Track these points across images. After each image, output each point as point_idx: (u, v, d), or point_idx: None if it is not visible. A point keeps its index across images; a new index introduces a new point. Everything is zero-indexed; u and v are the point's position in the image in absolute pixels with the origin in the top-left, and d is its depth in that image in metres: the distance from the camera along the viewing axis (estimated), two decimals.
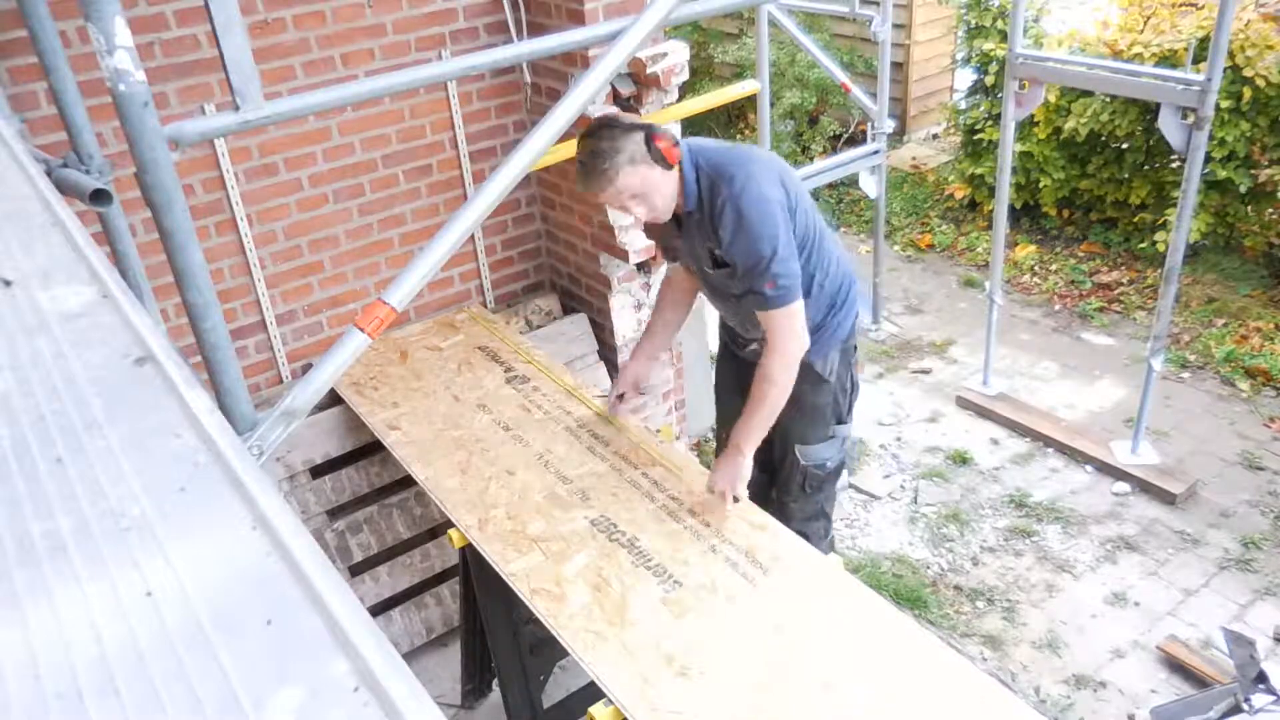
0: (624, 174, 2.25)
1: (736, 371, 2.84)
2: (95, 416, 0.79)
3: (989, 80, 5.81)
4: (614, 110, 2.30)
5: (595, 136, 2.27)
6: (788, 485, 2.82)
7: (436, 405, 3.03)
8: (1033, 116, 5.39)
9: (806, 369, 2.55)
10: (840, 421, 2.77)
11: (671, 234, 2.53)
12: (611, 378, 3.79)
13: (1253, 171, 4.85)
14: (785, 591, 2.17)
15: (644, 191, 2.29)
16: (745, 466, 2.41)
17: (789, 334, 2.36)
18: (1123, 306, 5.18)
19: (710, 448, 4.29)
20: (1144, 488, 3.91)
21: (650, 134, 2.26)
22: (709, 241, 2.39)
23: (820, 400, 2.67)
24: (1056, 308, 5.28)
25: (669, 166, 2.29)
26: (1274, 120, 4.74)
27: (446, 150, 3.56)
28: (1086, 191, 5.65)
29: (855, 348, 2.73)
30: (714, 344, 4.65)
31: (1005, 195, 4.21)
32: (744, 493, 2.42)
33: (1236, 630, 3.08)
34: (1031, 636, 3.32)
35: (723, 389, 3.03)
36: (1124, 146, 5.36)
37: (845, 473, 2.89)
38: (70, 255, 1.04)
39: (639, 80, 3.29)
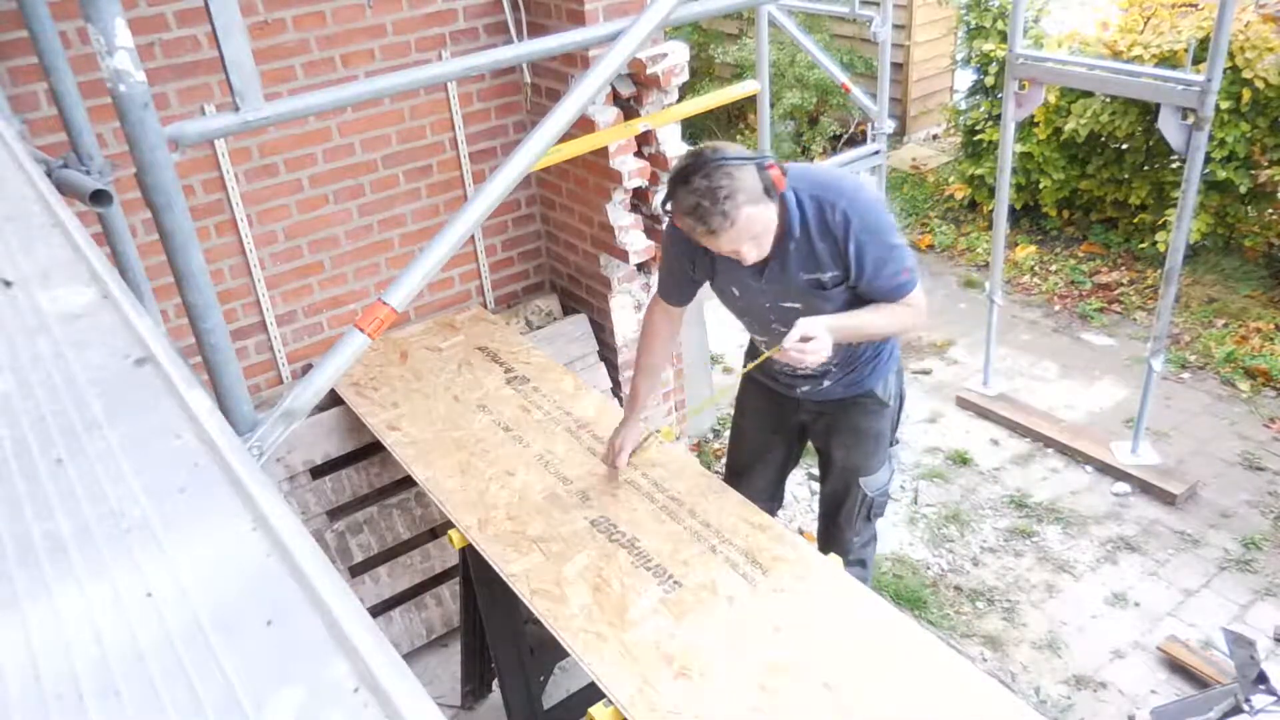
0: (745, 214, 1.97)
1: (779, 413, 2.69)
2: (95, 417, 0.78)
3: (989, 81, 5.81)
4: (718, 143, 2.05)
5: (706, 174, 1.95)
6: (850, 518, 2.70)
7: (436, 406, 3.03)
8: (1033, 117, 5.39)
9: (869, 398, 2.51)
10: (893, 443, 2.67)
11: (733, 271, 2.25)
12: (612, 378, 3.80)
13: (1253, 172, 4.85)
14: (785, 591, 2.17)
15: (762, 231, 2.04)
16: (825, 338, 2.09)
17: (922, 308, 2.38)
18: (1123, 307, 5.18)
19: (710, 448, 4.28)
20: (1144, 488, 3.91)
21: (761, 164, 2.01)
22: (808, 263, 2.20)
23: (882, 426, 2.59)
24: (1056, 308, 5.28)
25: (774, 197, 2.05)
26: (1274, 121, 4.74)
27: (446, 151, 3.56)
28: (1086, 192, 5.65)
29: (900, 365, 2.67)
30: (713, 345, 4.67)
31: (1005, 196, 4.20)
32: (818, 355, 2.08)
33: (1236, 631, 3.08)
34: (1031, 637, 3.32)
35: (759, 427, 2.79)
36: (1124, 147, 5.36)
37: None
38: (70, 256, 1.04)
39: (639, 81, 3.29)
